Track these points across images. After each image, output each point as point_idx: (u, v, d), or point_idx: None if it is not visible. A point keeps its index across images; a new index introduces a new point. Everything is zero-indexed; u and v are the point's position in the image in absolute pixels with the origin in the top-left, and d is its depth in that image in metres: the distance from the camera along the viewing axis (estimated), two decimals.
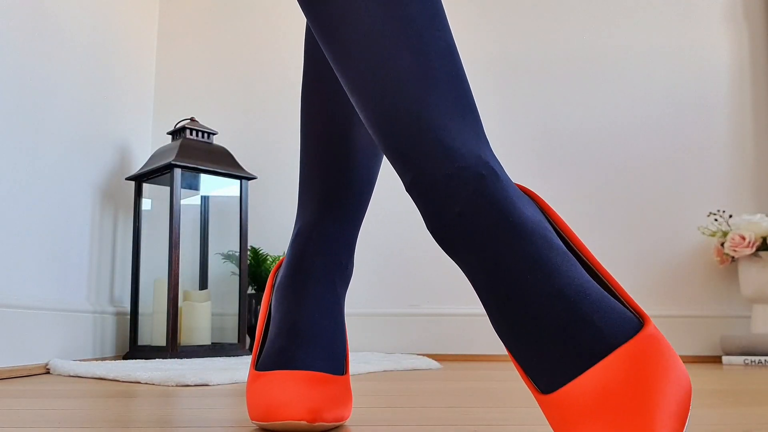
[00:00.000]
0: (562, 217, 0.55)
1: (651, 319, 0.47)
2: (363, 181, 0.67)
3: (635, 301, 0.51)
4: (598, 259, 2.04)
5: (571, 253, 0.46)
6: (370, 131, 0.49)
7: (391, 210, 2.07)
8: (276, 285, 0.65)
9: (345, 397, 0.59)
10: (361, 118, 0.49)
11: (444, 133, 0.45)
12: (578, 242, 0.46)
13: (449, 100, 0.46)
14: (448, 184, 0.45)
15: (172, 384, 1.04)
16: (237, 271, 1.90)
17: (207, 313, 1.80)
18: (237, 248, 1.88)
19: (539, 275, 0.42)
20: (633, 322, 0.41)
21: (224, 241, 2.01)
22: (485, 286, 0.43)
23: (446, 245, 0.45)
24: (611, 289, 0.45)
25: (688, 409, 0.38)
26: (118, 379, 1.13)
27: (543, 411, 0.41)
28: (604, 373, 0.38)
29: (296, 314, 0.61)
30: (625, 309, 0.42)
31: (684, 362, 1.93)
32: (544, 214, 0.47)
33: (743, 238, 1.85)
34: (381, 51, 0.46)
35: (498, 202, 0.44)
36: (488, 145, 0.47)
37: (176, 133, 1.85)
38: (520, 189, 0.48)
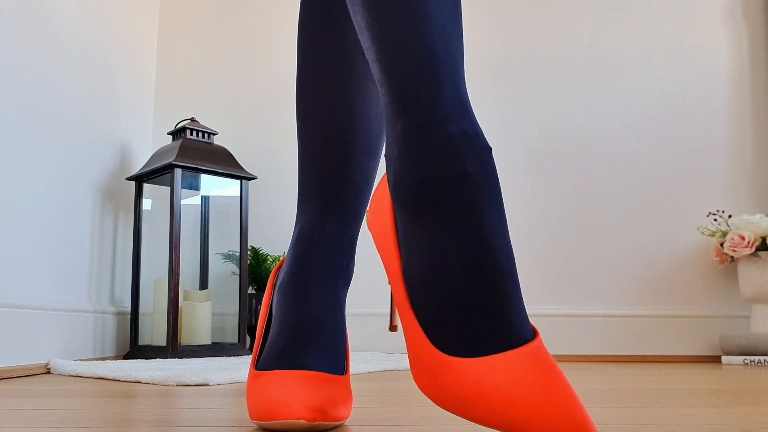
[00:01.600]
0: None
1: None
2: (362, 181, 0.67)
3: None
4: (596, 259, 2.04)
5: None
6: (381, 68, 0.49)
7: None
8: (277, 285, 0.65)
9: (345, 396, 0.59)
10: (374, 53, 0.49)
11: (464, 93, 0.48)
12: None
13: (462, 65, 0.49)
14: (462, 141, 0.46)
15: (173, 384, 1.04)
16: (237, 271, 1.90)
17: (207, 313, 1.80)
18: (237, 248, 1.88)
19: (508, 247, 0.46)
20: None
21: (224, 241, 2.01)
22: (462, 248, 0.45)
23: (432, 203, 0.46)
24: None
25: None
26: (118, 378, 1.13)
27: (438, 370, 0.44)
28: (523, 356, 0.42)
29: (297, 314, 0.61)
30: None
31: (683, 362, 1.94)
32: None
33: (743, 238, 1.85)
34: None
35: (497, 179, 0.47)
36: None
37: (176, 133, 1.85)
38: None
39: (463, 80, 0.48)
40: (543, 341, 0.46)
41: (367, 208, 0.56)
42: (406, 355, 1.76)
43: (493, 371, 0.42)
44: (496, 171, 0.47)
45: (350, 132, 0.66)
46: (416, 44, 0.47)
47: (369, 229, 0.54)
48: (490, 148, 0.47)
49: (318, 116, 0.67)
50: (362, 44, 0.51)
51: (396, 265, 0.48)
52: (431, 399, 0.45)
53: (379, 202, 0.51)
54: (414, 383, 1.11)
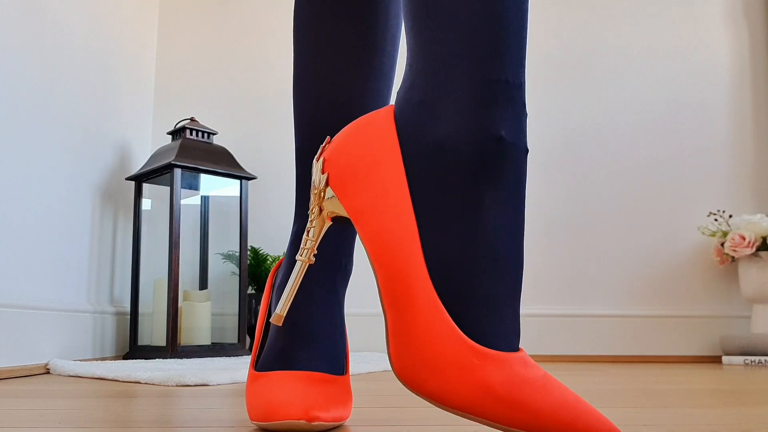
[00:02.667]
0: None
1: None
2: None
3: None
4: (597, 259, 2.04)
5: None
6: (444, 23, 0.43)
7: None
8: (276, 285, 0.65)
9: (345, 397, 0.59)
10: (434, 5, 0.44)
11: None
12: None
13: None
14: (523, 109, 0.43)
15: (172, 384, 1.04)
16: (237, 271, 1.90)
17: (207, 313, 1.80)
18: (237, 248, 1.88)
19: (520, 238, 0.42)
20: None
21: (224, 241, 2.01)
22: (511, 229, 0.41)
23: (492, 168, 0.41)
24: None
25: None
26: (118, 379, 1.13)
27: (472, 366, 0.39)
28: (526, 358, 0.41)
29: (296, 315, 0.61)
30: None
31: (684, 362, 1.94)
32: None
33: (743, 238, 1.85)
34: None
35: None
36: None
37: (176, 133, 1.85)
38: None
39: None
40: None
41: (319, 158, 0.48)
42: None
43: (521, 367, 0.39)
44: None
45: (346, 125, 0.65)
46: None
47: (325, 183, 0.46)
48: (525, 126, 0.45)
49: (314, 114, 0.65)
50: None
51: (409, 229, 0.40)
52: (449, 402, 0.39)
53: (370, 153, 0.44)
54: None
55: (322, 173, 0.47)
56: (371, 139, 0.45)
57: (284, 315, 0.50)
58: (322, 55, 0.65)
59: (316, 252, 0.49)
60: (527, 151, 0.43)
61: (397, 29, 0.67)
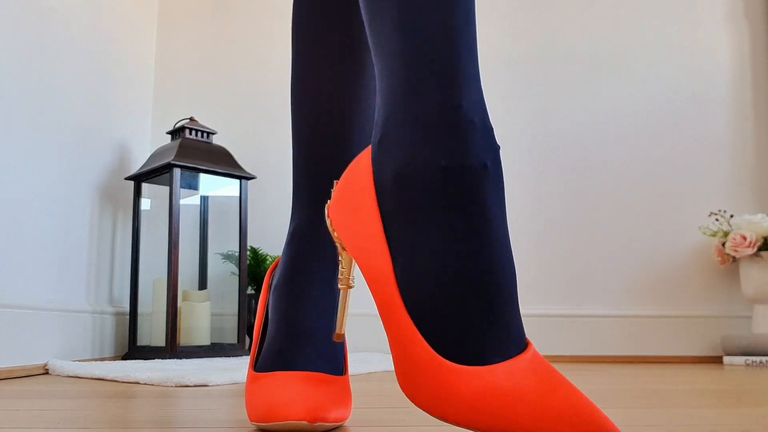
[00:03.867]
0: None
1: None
2: None
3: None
4: (597, 259, 2.04)
5: None
6: (396, 49, 0.45)
7: None
8: (273, 286, 0.65)
9: (345, 397, 0.58)
10: (389, 32, 0.46)
11: (481, 86, 0.45)
12: None
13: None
14: (482, 132, 0.44)
15: (172, 384, 1.04)
16: (236, 271, 1.90)
17: (206, 313, 1.79)
18: (236, 248, 1.88)
19: (511, 250, 0.44)
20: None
21: (224, 241, 2.01)
22: (475, 249, 0.43)
23: (450, 195, 0.43)
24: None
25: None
26: (117, 379, 1.13)
27: (444, 380, 0.42)
28: (526, 363, 0.42)
29: (294, 315, 0.61)
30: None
31: (685, 362, 1.94)
32: None
33: (744, 238, 1.85)
34: None
35: (503, 178, 0.45)
36: None
37: (175, 132, 1.84)
38: None
39: (479, 74, 0.46)
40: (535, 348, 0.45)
41: (328, 203, 0.52)
42: None
43: (500, 378, 0.41)
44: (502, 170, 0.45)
45: (346, 128, 0.64)
46: (444, 23, 0.44)
47: (332, 227, 0.50)
48: (499, 147, 0.45)
49: (312, 114, 0.65)
50: (371, 25, 0.48)
51: (386, 267, 0.44)
52: (429, 410, 0.42)
53: (353, 196, 0.47)
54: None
55: (328, 217, 0.51)
56: (353, 184, 0.48)
57: (343, 333, 0.55)
58: (320, 57, 0.65)
59: (353, 278, 0.53)
60: (484, 165, 0.44)
61: None
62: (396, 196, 0.45)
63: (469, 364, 0.42)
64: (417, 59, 0.45)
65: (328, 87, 0.64)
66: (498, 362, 0.42)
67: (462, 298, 0.42)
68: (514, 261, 2.00)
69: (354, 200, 0.47)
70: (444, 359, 0.42)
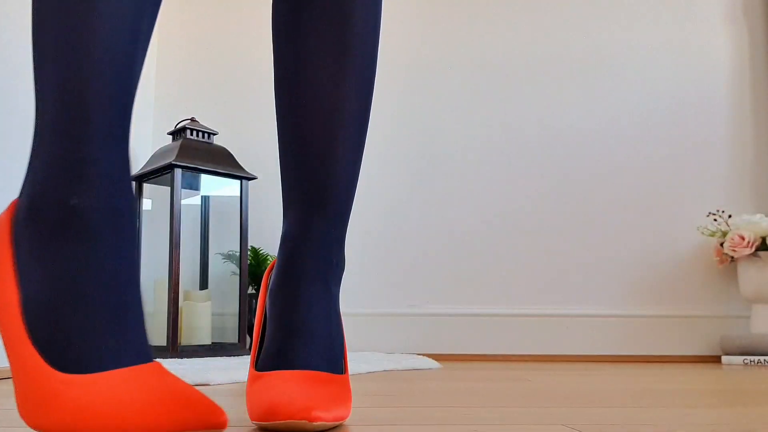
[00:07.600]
0: None
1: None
2: (348, 177, 0.66)
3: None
4: (596, 259, 2.04)
5: None
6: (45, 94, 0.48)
7: (391, 210, 2.07)
8: (269, 287, 0.65)
9: (344, 396, 0.59)
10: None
11: (126, 135, 0.50)
12: None
13: None
14: (110, 177, 0.48)
15: None
16: (237, 271, 1.90)
17: (207, 313, 1.80)
18: (237, 248, 1.88)
19: (133, 277, 0.49)
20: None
21: (224, 241, 2.01)
22: (95, 273, 0.46)
23: (79, 229, 0.46)
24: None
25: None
26: None
27: (56, 392, 0.43)
28: (130, 375, 0.44)
29: (292, 315, 0.61)
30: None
31: (684, 362, 1.94)
32: None
33: (743, 238, 1.86)
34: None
35: (135, 216, 0.51)
36: None
37: (176, 133, 1.85)
38: None
39: (128, 125, 0.50)
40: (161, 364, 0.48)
41: None
42: (406, 355, 1.76)
43: (115, 385, 0.43)
44: (135, 209, 0.50)
45: (333, 128, 0.64)
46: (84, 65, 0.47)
47: None
48: (133, 190, 0.50)
49: (297, 114, 0.65)
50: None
51: (12, 293, 0.47)
52: (34, 423, 0.43)
53: None
54: (420, 385, 1.11)
55: None
56: None
57: None
58: (299, 60, 0.65)
59: None
60: (96, 209, 0.47)
61: (370, 31, 0.67)
62: (31, 221, 0.48)
63: (84, 373, 0.44)
64: (53, 103, 0.48)
65: (314, 94, 0.64)
66: (112, 369, 0.44)
67: (80, 311, 0.45)
68: (514, 261, 2.01)
69: None
70: (56, 371, 0.44)
